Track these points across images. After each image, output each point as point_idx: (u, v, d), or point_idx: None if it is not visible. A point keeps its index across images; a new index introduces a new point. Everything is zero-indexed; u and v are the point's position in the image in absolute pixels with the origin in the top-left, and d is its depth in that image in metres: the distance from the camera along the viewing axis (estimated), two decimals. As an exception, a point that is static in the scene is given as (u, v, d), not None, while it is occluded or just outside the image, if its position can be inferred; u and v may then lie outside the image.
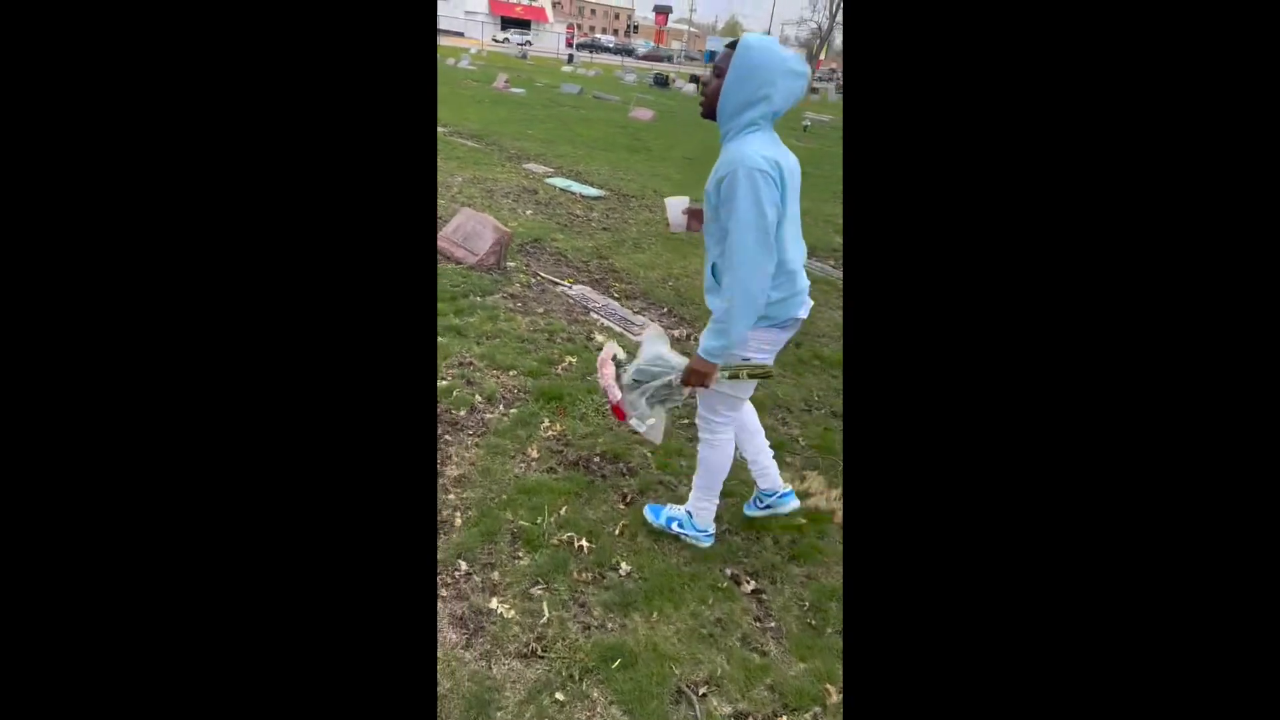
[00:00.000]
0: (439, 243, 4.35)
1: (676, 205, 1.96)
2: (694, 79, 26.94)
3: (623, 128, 11.94)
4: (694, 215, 1.95)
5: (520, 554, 1.92)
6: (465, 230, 4.33)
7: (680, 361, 1.80)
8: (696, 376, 1.72)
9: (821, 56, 53.09)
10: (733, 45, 1.61)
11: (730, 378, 1.75)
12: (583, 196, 6.53)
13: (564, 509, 2.12)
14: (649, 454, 2.49)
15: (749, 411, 2.04)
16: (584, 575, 1.87)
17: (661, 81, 24.32)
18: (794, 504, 2.12)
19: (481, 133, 9.20)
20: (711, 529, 2.04)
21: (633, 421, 1.88)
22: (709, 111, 1.67)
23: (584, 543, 1.98)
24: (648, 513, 2.09)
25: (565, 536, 2.00)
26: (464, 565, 1.85)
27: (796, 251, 1.69)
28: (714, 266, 1.70)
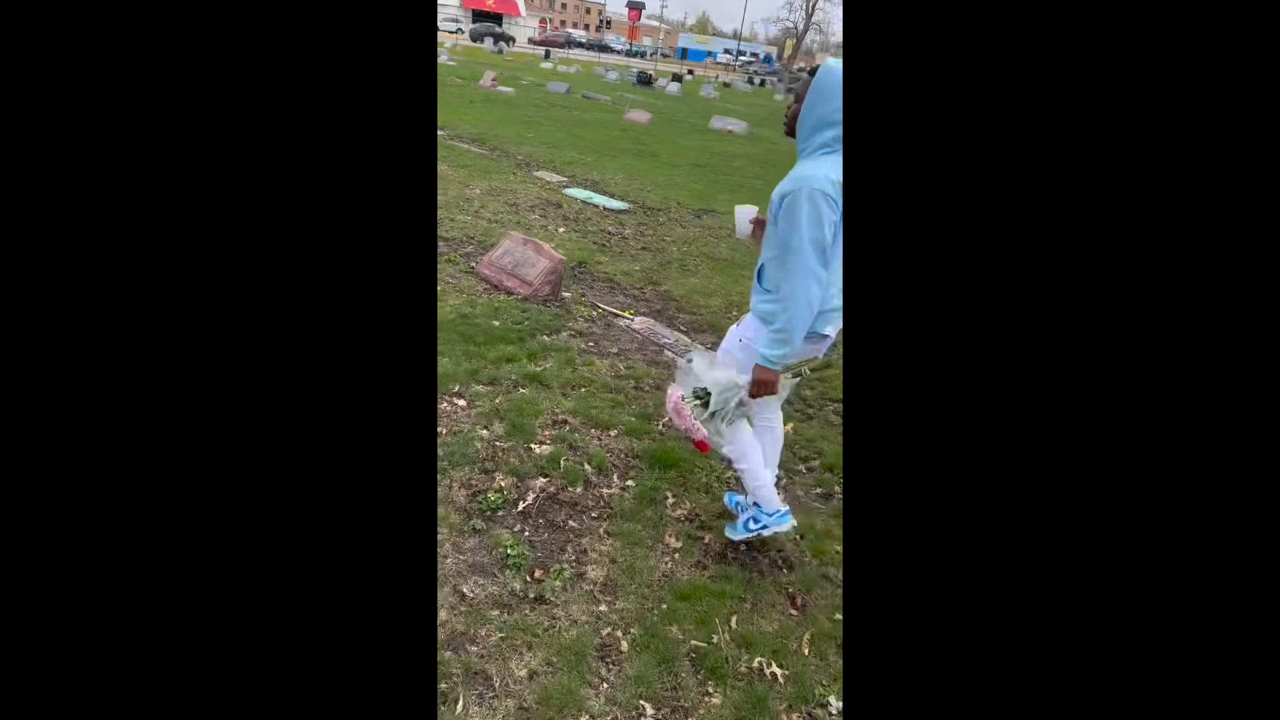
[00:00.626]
0: (486, 270, 3.99)
1: (745, 214, 2.01)
2: (676, 77, 26.65)
3: (623, 130, 11.58)
4: (759, 224, 2.00)
5: (710, 688, 1.61)
6: (514, 257, 3.98)
7: (745, 378, 1.81)
8: (764, 386, 1.75)
9: (787, 55, 53.32)
10: (813, 71, 1.64)
11: (794, 376, 1.83)
12: (608, 210, 6.20)
13: (734, 620, 1.82)
14: (799, 537, 2.20)
15: (778, 421, 2.12)
16: (792, 717, 1.57)
17: (645, 80, 23.97)
18: (790, 523, 2.08)
19: (482, 136, 8.79)
20: (781, 507, 2.04)
21: (724, 449, 1.92)
22: (790, 131, 1.73)
23: (775, 669, 1.69)
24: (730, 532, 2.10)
25: (754, 663, 1.70)
26: (650, 709, 1.54)
27: (835, 273, 1.71)
28: (762, 267, 1.78)
